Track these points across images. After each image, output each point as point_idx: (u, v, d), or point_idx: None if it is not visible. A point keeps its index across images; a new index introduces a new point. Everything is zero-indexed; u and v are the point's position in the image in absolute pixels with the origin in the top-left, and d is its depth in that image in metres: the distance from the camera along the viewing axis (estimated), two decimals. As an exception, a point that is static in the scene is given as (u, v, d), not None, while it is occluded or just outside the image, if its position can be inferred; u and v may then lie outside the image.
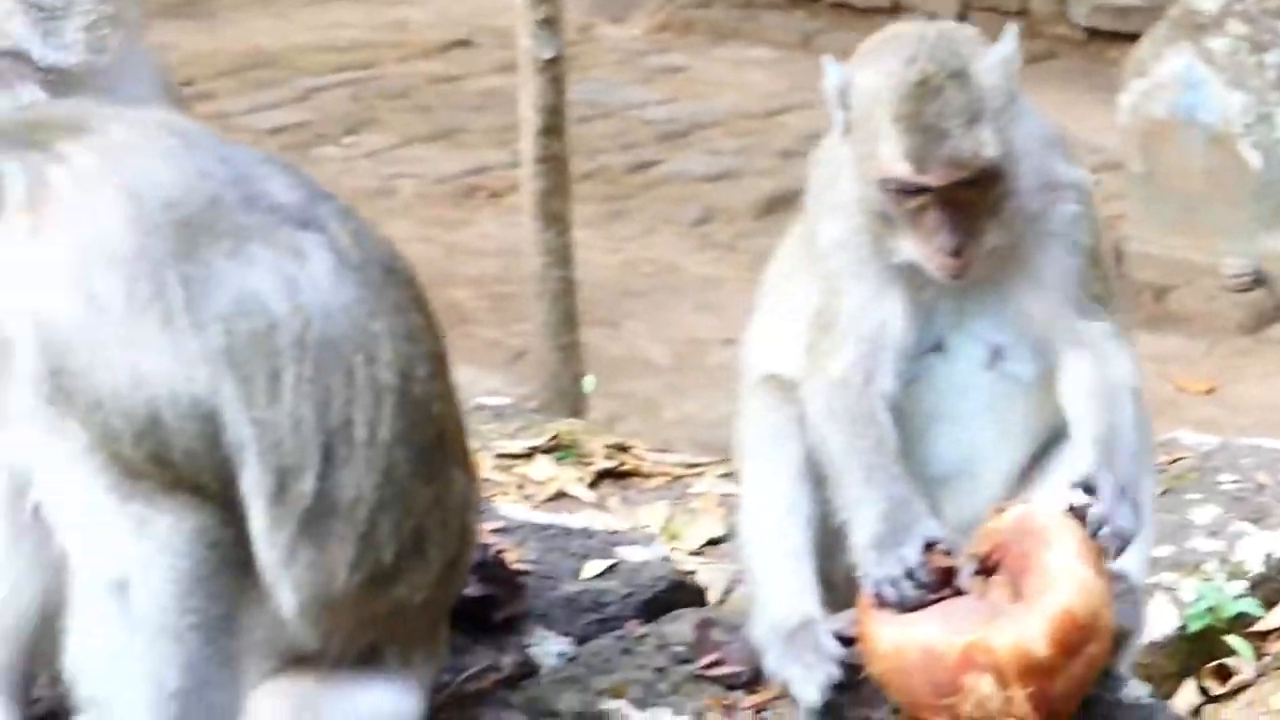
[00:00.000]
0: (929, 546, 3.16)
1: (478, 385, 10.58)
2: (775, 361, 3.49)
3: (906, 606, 3.12)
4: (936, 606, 3.17)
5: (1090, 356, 3.34)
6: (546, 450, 6.97)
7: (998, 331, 3.38)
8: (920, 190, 3.24)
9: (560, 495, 6.69)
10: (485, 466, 6.93)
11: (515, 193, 10.97)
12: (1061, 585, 3.12)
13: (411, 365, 2.95)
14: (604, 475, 6.63)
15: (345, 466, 2.86)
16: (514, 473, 6.85)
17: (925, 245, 3.26)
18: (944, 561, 3.19)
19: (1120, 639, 3.22)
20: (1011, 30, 3.38)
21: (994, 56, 3.31)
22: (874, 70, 3.29)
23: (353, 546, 2.89)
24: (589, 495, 6.50)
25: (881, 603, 3.15)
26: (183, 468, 2.80)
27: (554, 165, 9.86)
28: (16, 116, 2.99)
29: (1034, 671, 3.11)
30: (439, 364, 3.05)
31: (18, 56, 3.58)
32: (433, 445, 3.00)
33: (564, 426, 7.35)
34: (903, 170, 3.22)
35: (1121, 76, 13.37)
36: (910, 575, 3.11)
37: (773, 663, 3.28)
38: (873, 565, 3.16)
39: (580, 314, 9.86)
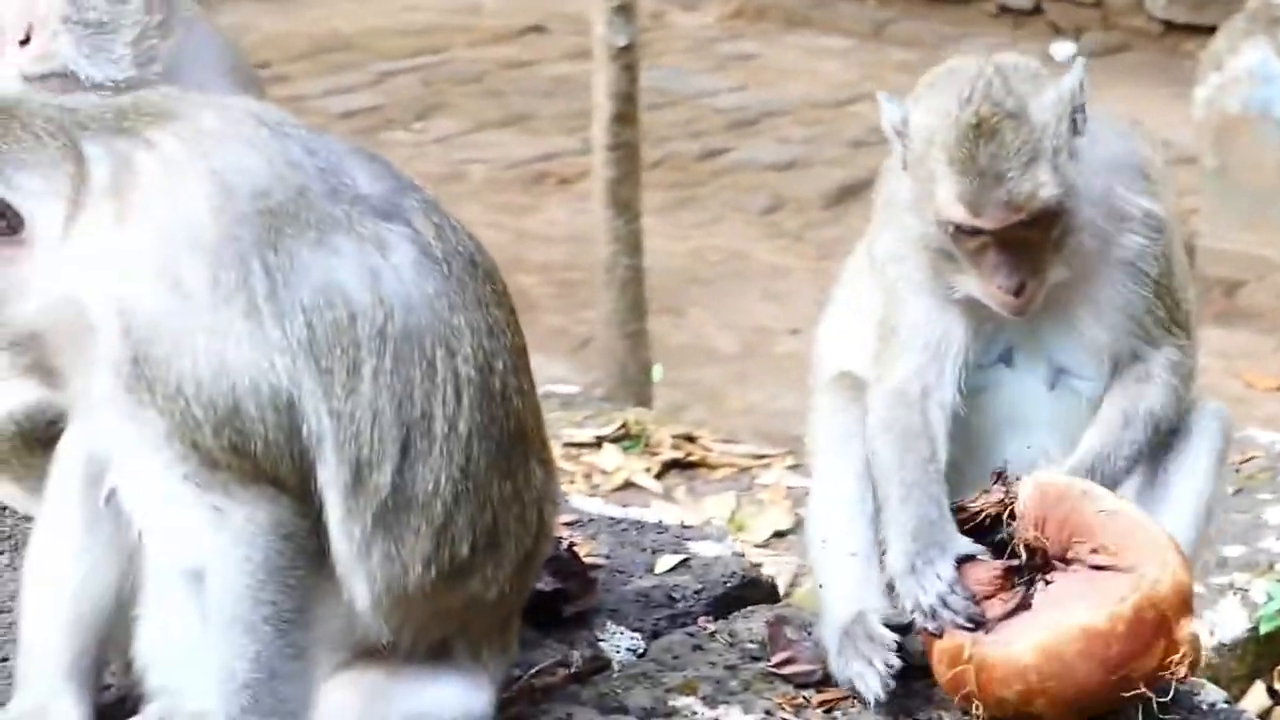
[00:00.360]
0: (962, 563, 3.13)
1: (543, 372, 10.52)
2: (847, 358, 3.48)
3: (976, 623, 3.09)
4: (1038, 604, 3.11)
5: (1131, 385, 3.33)
6: (614, 439, 6.98)
7: (1062, 352, 3.36)
8: (977, 232, 3.22)
9: (627, 485, 6.70)
10: (556, 449, 6.98)
11: (585, 179, 10.97)
12: (1141, 516, 3.10)
13: (492, 359, 2.95)
14: (671, 465, 6.64)
15: (423, 460, 2.86)
16: (582, 461, 6.86)
17: (986, 283, 3.24)
18: (991, 571, 3.17)
19: None
20: (1079, 62, 3.33)
21: (1054, 93, 3.25)
22: (931, 109, 3.26)
23: (429, 540, 2.89)
24: (656, 486, 6.51)
25: (938, 631, 3.11)
26: (261, 459, 2.80)
27: (625, 153, 9.83)
28: (106, 104, 2.99)
29: (1189, 595, 3.08)
30: (520, 358, 3.05)
31: (67, 76, 3.58)
32: (512, 439, 2.99)
33: (631, 416, 7.34)
34: (959, 214, 3.19)
35: (1197, 70, 13.31)
36: (953, 590, 3.09)
37: (834, 662, 3.27)
38: (908, 590, 3.14)
39: (647, 302, 9.85)
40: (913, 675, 3.18)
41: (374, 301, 2.83)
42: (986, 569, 3.11)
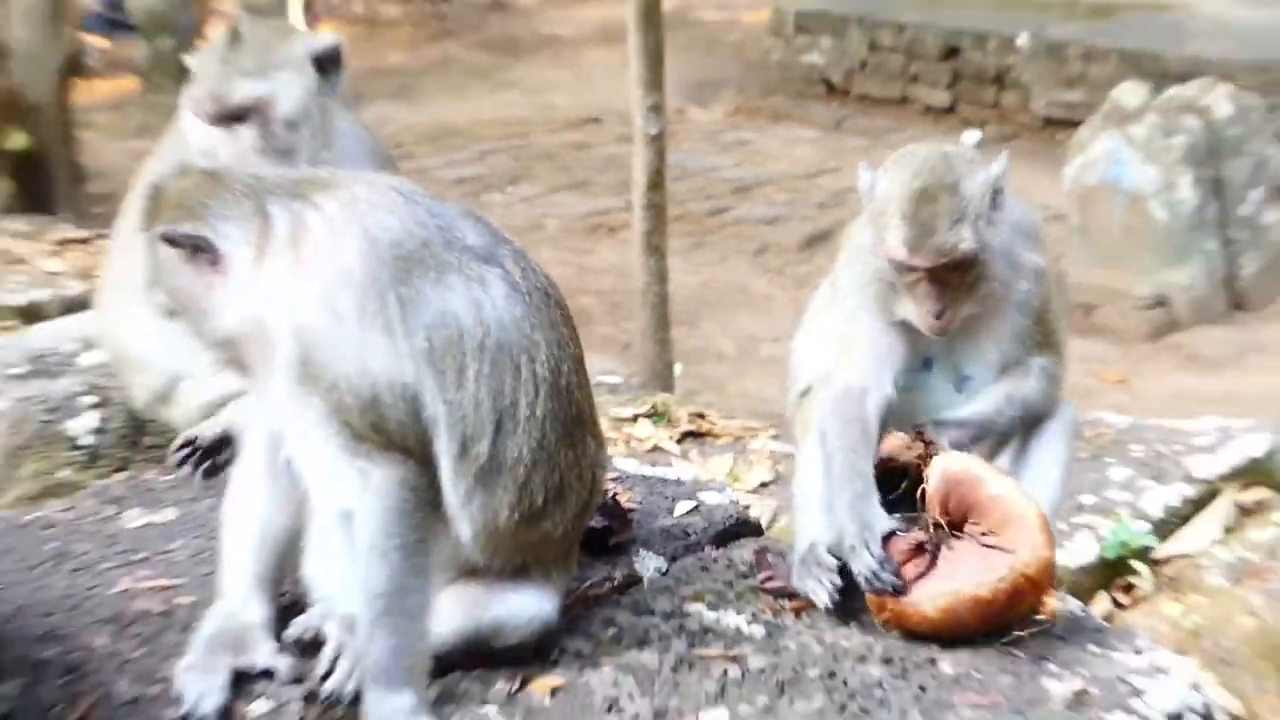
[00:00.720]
0: (888, 538, 3.11)
1: (597, 367, 10.58)
2: (812, 376, 3.49)
3: (897, 590, 3.05)
4: (938, 571, 3.08)
5: (1014, 379, 3.33)
6: (646, 416, 6.97)
7: (967, 363, 3.35)
8: (914, 269, 3.22)
9: (656, 449, 6.70)
10: (604, 424, 6.98)
11: (626, 229, 11.01)
12: (1019, 501, 3.08)
13: (560, 364, 2.95)
14: (687, 435, 6.64)
15: (510, 436, 2.88)
16: (623, 431, 6.85)
17: (918, 309, 3.24)
18: (907, 543, 3.11)
19: None
20: (1003, 156, 3.32)
21: (982, 175, 3.23)
22: (893, 177, 3.26)
23: (513, 493, 2.90)
24: (676, 449, 6.52)
25: (874, 592, 3.09)
26: (393, 434, 2.82)
27: (655, 211, 9.83)
28: (287, 176, 3.01)
29: (1052, 567, 3.06)
30: (579, 364, 3.06)
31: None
32: (573, 421, 3.00)
33: (659, 399, 7.34)
34: (903, 254, 3.19)
35: (1067, 153, 13.28)
36: (883, 566, 3.05)
37: (795, 577, 3.27)
38: (854, 564, 3.09)
39: (670, 317, 9.87)
40: (856, 592, 3.15)
41: (476, 323, 2.85)
42: (904, 540, 3.08)
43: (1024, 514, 3.04)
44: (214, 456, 3.45)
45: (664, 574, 3.38)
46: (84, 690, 2.91)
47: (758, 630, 3.12)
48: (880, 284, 3.31)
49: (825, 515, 3.25)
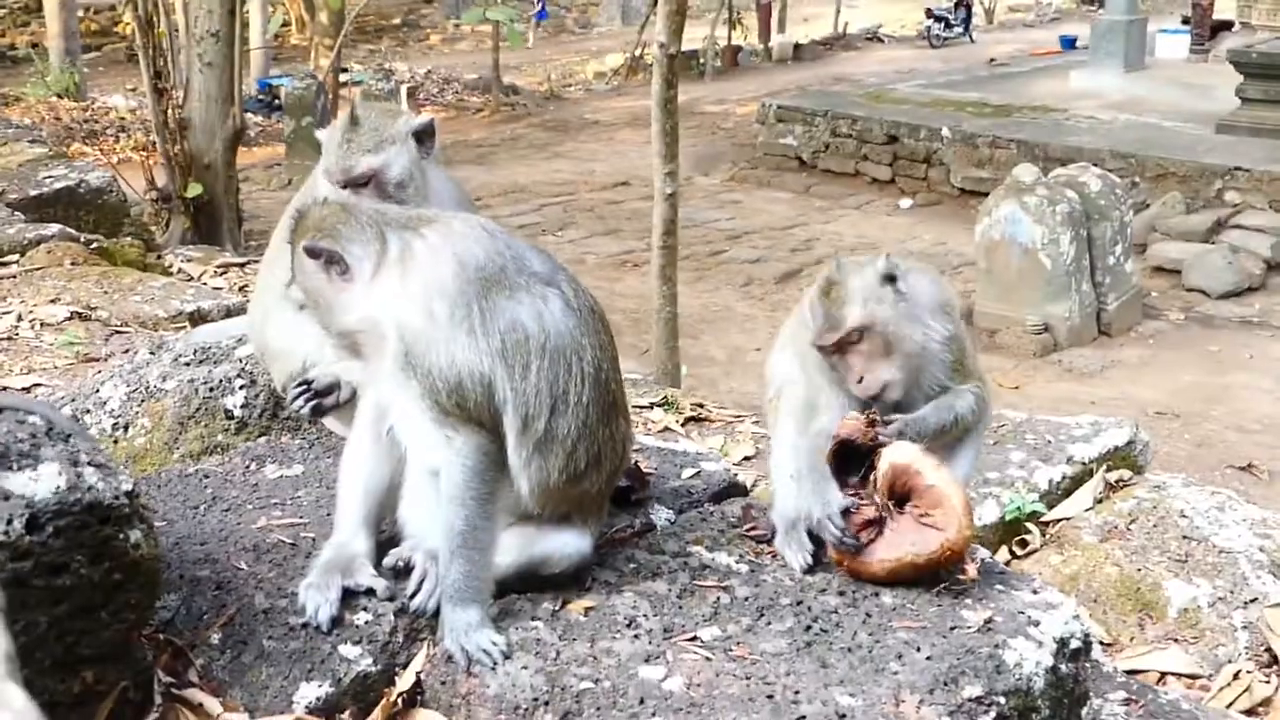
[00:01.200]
0: (846, 513, 2.98)
1: (624, 369, 10.62)
2: (780, 383, 3.36)
3: (857, 550, 2.95)
4: (885, 539, 2.98)
5: (950, 396, 3.21)
6: (659, 405, 6.91)
7: (902, 400, 3.21)
8: (823, 348, 3.13)
9: (666, 429, 6.63)
10: (629, 417, 6.93)
11: (647, 264, 10.98)
12: (949, 488, 3.00)
13: (600, 363, 2.89)
14: (689, 420, 6.57)
15: (562, 416, 2.81)
16: (641, 416, 6.78)
17: (847, 377, 3.13)
18: (863, 516, 3.00)
19: None
20: (889, 258, 3.18)
21: (867, 269, 3.13)
22: (809, 289, 3.19)
23: (561, 460, 2.83)
24: (681, 431, 6.46)
25: (839, 552, 2.99)
26: (472, 411, 2.76)
27: (669, 250, 9.83)
28: (402, 211, 2.97)
29: (971, 541, 2.99)
30: (614, 363, 2.98)
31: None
32: (610, 406, 2.93)
33: (668, 392, 7.29)
34: (814, 338, 3.10)
35: (977, 216, 13.25)
36: (844, 534, 2.94)
37: (778, 542, 3.15)
38: (824, 534, 2.98)
39: (678, 331, 9.84)
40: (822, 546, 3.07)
41: (539, 329, 2.79)
42: (860, 514, 2.99)
43: (952, 501, 2.95)
44: (322, 398, 3.37)
45: (672, 523, 3.30)
46: (228, 602, 2.85)
47: (743, 568, 3.05)
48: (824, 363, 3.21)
49: (796, 495, 3.16)
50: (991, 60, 26.00)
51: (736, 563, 3.06)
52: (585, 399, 2.86)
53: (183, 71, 13.18)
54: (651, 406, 6.87)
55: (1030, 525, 4.95)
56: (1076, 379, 12.17)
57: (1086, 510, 5.10)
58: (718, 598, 2.89)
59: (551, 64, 27.64)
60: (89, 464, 2.52)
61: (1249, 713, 4.19)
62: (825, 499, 3.01)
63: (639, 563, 3.04)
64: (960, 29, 32.66)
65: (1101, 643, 4.55)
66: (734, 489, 3.57)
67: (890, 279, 3.14)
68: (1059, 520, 5.04)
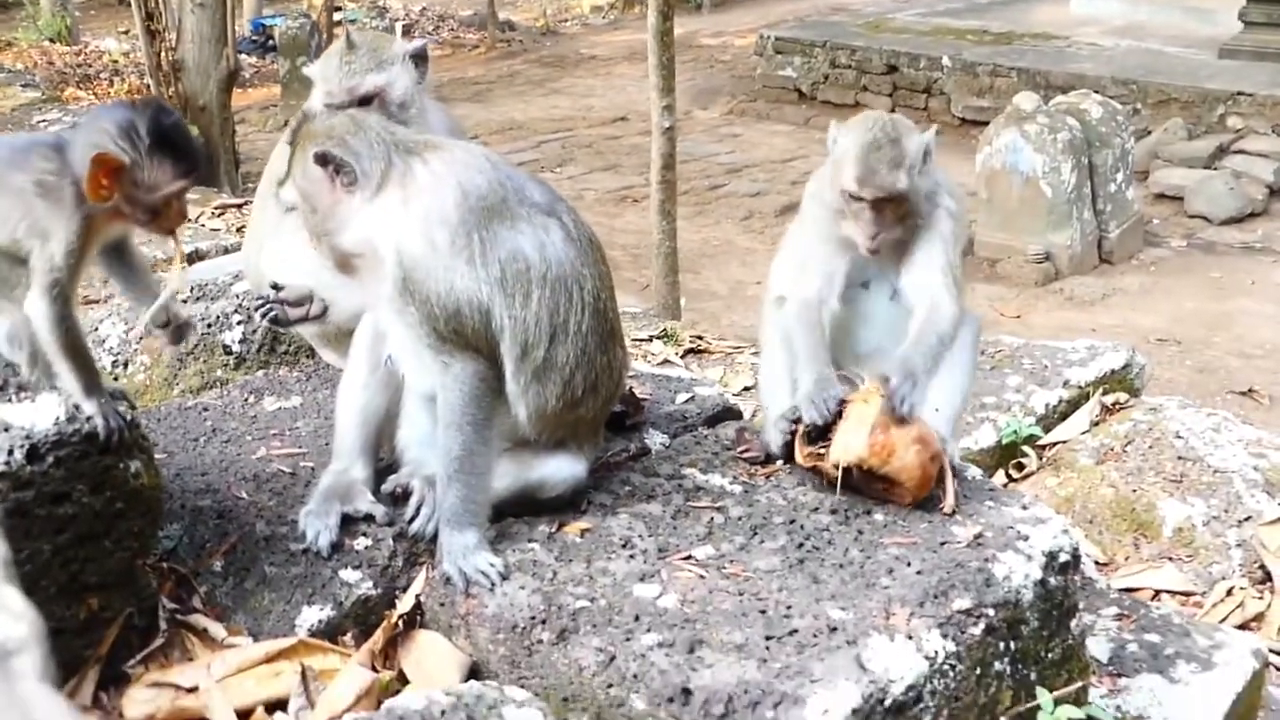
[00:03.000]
0: (842, 403, 3.04)
1: (622, 302, 10.62)
2: (781, 289, 3.43)
3: (820, 430, 3.01)
4: (855, 483, 3.01)
5: (929, 302, 3.25)
6: (658, 337, 6.95)
7: (897, 281, 3.29)
8: (860, 199, 3.16)
9: (665, 362, 6.67)
10: (627, 344, 6.97)
11: (646, 200, 10.95)
12: (909, 469, 2.94)
13: (600, 293, 2.91)
14: (689, 351, 6.61)
15: (561, 345, 2.84)
16: (641, 349, 6.82)
17: (859, 231, 3.18)
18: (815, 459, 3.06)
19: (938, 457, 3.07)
20: (931, 128, 3.27)
21: (918, 138, 3.18)
22: (852, 130, 3.21)
23: (559, 387, 2.86)
24: (680, 363, 6.49)
25: (806, 429, 3.04)
26: (470, 338, 2.78)
27: (668, 185, 9.82)
28: (410, 135, 2.97)
29: (922, 491, 2.99)
30: (611, 292, 3.00)
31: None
32: (608, 335, 2.95)
33: (668, 325, 7.32)
34: (853, 187, 3.14)
35: (978, 145, 13.20)
36: (828, 412, 3.00)
37: (765, 436, 3.24)
38: (807, 409, 3.04)
39: (678, 266, 9.84)
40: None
41: (540, 259, 2.82)
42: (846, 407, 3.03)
43: (907, 484, 2.95)
44: (290, 308, 3.32)
45: (667, 447, 3.34)
46: (230, 531, 2.90)
47: (737, 489, 3.09)
48: (831, 214, 3.26)
49: (787, 389, 3.23)
50: (992, -13, 25.72)
51: (730, 484, 3.10)
52: (585, 328, 2.88)
53: (175, 13, 13.08)
54: (651, 339, 6.91)
55: (1027, 449, 4.99)
56: (1078, 307, 12.16)
57: (1083, 433, 5.14)
58: (711, 518, 2.93)
59: (548, -2, 27.42)
60: (88, 395, 2.56)
61: (1242, 627, 4.25)
62: (825, 385, 3.06)
63: (634, 485, 3.09)
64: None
65: (1097, 562, 4.61)
66: (728, 413, 3.60)
67: (928, 153, 3.22)
68: (1055, 443, 5.09)
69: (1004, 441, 4.97)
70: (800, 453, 3.07)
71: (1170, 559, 4.64)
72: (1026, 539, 2.79)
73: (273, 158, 3.64)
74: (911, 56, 17.35)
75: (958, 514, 2.91)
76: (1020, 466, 4.98)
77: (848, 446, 2.95)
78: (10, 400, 2.52)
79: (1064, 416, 5.21)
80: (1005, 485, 4.77)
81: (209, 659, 2.64)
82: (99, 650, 2.62)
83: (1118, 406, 5.31)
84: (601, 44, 23.12)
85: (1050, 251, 12.79)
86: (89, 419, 2.54)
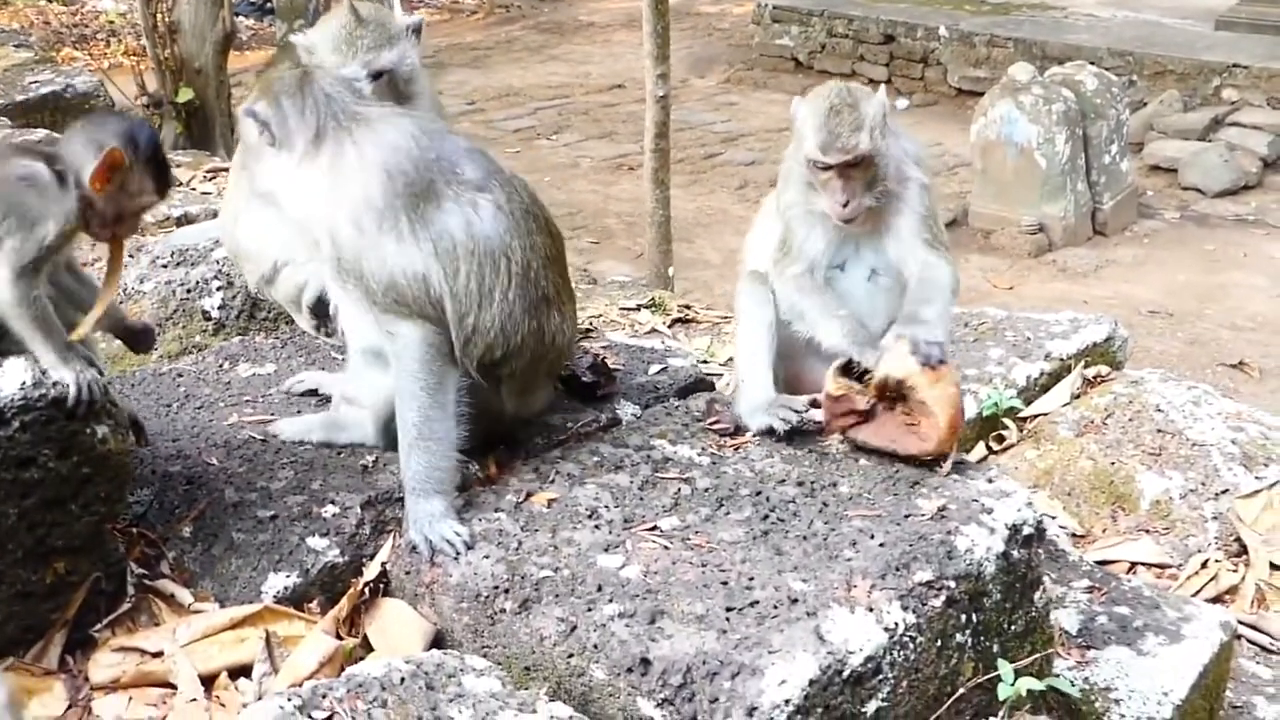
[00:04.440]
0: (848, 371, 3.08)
1: (615, 270, 10.59)
2: (756, 263, 3.42)
3: (854, 404, 3.05)
4: (871, 426, 3.07)
5: (921, 271, 3.23)
6: (646, 306, 6.92)
7: (873, 259, 3.27)
8: (826, 166, 3.15)
9: (652, 331, 6.64)
10: (612, 314, 6.93)
11: (641, 168, 10.91)
12: (943, 408, 2.98)
13: (529, 260, 2.93)
14: (676, 321, 6.58)
15: (489, 309, 2.86)
16: (628, 317, 6.79)
17: (830, 200, 3.16)
18: (850, 405, 3.07)
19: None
20: (881, 88, 3.27)
21: (874, 99, 3.18)
22: (810, 101, 3.20)
23: (481, 349, 2.90)
24: (668, 332, 6.47)
25: (846, 371, 3.07)
26: (411, 306, 2.81)
27: (661, 154, 9.80)
28: (348, 106, 2.95)
29: (944, 452, 3.03)
30: (548, 260, 3.01)
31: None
32: (538, 300, 2.97)
33: (657, 294, 7.29)
34: (817, 154, 3.12)
35: (973, 116, 13.14)
36: (864, 359, 3.05)
37: (756, 420, 3.20)
38: (857, 355, 3.06)
39: (672, 235, 9.82)
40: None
41: (467, 236, 2.87)
42: (847, 403, 3.08)
43: (939, 420, 2.98)
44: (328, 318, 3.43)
45: (638, 418, 3.34)
46: (199, 497, 2.90)
47: (705, 460, 3.09)
48: (804, 189, 3.24)
49: (765, 361, 3.24)
50: (992, -43, 25.57)
51: (698, 455, 3.10)
52: (511, 295, 2.90)
53: (170, -26, 13.00)
54: (638, 308, 6.87)
55: (1007, 421, 4.97)
56: (1071, 279, 12.15)
57: (1064, 406, 5.13)
58: (679, 489, 2.93)
59: (547, -36, 27.23)
60: (53, 361, 2.55)
61: (1216, 600, 4.26)
62: (861, 334, 3.09)
63: (602, 456, 3.09)
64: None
65: (1074, 535, 4.61)
66: (700, 385, 3.59)
67: (885, 114, 3.20)
68: (1036, 416, 5.07)
69: (984, 414, 4.95)
70: (833, 383, 3.07)
71: (1147, 531, 4.64)
72: (990, 512, 2.80)
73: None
74: (909, 26, 17.25)
75: (924, 486, 2.91)
76: (1000, 439, 4.97)
77: (899, 363, 2.99)
78: (-24, 366, 2.51)
79: (1045, 389, 5.19)
80: (985, 458, 4.78)
81: (175, 624, 2.65)
82: (65, 614, 2.63)
83: (1099, 379, 5.29)
84: (600, 11, 22.96)
85: (1044, 223, 12.77)
86: (56, 384, 2.54)
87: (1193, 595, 4.21)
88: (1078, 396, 5.18)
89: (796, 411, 3.18)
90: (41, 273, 2.65)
